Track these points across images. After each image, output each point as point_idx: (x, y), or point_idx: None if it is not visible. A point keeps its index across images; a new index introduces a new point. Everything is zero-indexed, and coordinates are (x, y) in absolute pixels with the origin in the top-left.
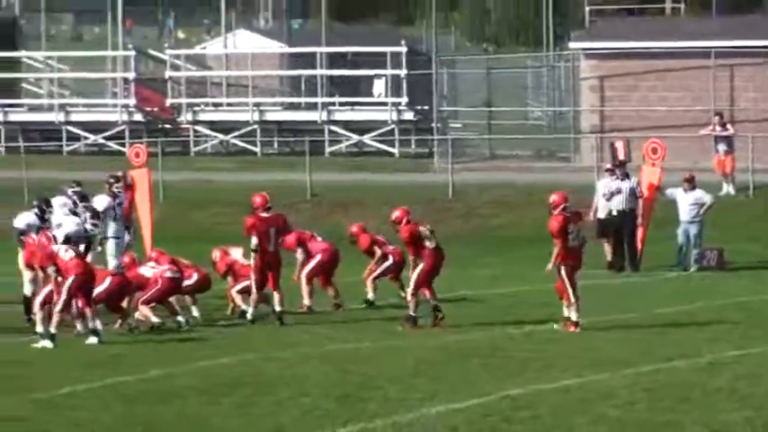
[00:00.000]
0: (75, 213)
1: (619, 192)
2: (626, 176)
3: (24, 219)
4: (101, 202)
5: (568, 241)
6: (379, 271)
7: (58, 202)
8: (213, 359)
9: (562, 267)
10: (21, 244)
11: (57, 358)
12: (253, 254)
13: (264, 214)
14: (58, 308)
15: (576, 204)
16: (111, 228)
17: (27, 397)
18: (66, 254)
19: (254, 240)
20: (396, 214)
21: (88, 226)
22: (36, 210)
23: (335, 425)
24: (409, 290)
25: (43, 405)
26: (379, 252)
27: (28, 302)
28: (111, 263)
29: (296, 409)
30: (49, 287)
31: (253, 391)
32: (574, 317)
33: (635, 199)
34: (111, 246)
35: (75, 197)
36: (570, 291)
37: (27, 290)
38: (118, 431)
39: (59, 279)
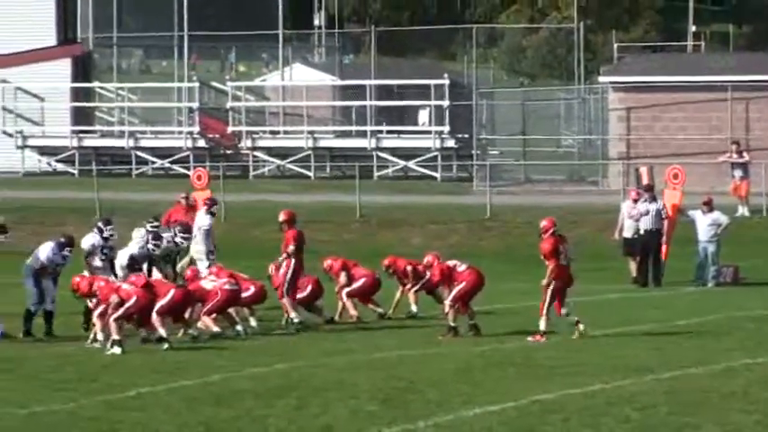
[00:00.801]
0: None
1: (647, 213)
2: (653, 199)
3: (89, 240)
4: (202, 220)
5: (560, 260)
6: (419, 285)
7: (139, 233)
8: (268, 365)
9: (552, 283)
10: (88, 267)
11: (126, 364)
12: (287, 259)
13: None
14: (113, 317)
15: (604, 224)
16: (209, 244)
17: (98, 399)
18: (128, 287)
19: (292, 247)
20: (427, 259)
21: (150, 246)
22: (96, 229)
23: (380, 425)
24: (447, 302)
25: (113, 406)
26: (411, 270)
27: (89, 312)
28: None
29: (344, 410)
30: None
31: (304, 393)
32: (542, 327)
33: (660, 220)
34: (204, 260)
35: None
36: (546, 304)
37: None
38: (181, 430)
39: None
